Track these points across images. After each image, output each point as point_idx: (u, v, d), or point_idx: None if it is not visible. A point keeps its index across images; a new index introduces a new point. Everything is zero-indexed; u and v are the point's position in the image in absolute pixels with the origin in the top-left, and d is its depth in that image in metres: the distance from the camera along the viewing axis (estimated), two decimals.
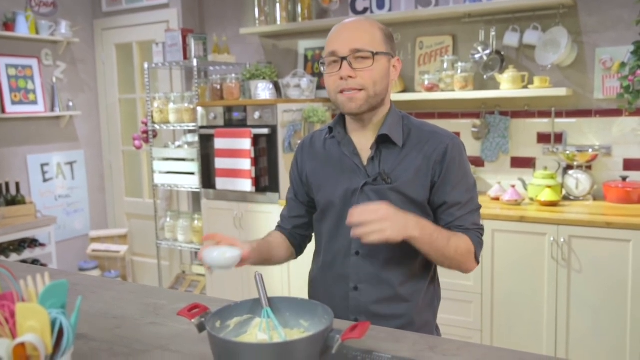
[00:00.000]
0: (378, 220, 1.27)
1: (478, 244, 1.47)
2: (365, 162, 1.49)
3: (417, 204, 1.45)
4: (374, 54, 1.41)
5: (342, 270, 1.51)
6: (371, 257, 1.48)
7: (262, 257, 1.52)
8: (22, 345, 0.84)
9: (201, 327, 1.16)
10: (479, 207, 1.50)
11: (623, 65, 2.93)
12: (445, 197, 1.45)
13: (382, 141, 1.48)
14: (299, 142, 1.82)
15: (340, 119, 1.56)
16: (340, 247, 1.52)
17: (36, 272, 1.01)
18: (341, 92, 1.43)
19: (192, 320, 1.17)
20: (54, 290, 0.90)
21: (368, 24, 1.46)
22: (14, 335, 0.86)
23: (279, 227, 1.70)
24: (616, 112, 3.09)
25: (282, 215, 1.71)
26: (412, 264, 1.48)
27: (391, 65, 1.48)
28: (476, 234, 1.47)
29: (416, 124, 1.52)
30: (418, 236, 1.33)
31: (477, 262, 1.48)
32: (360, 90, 1.42)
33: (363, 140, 1.52)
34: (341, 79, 1.42)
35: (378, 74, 1.43)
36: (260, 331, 1.16)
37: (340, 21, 1.51)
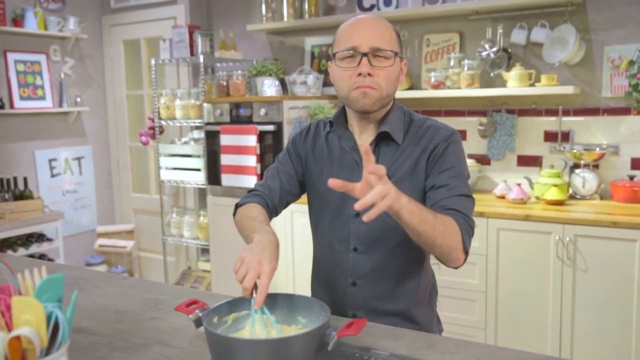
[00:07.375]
0: (380, 199, 1.12)
1: (465, 230, 1.33)
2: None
3: (415, 199, 1.44)
4: (395, 54, 1.41)
5: (341, 266, 1.51)
6: (369, 253, 1.47)
7: None
8: (17, 338, 0.85)
9: (198, 323, 1.16)
10: (470, 196, 1.41)
11: (632, 63, 2.90)
12: (433, 180, 1.40)
13: (382, 138, 1.47)
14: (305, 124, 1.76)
15: (342, 114, 1.54)
16: (338, 243, 1.51)
17: (40, 265, 1.01)
18: (356, 88, 1.40)
19: (190, 316, 1.18)
20: (50, 284, 0.90)
21: (385, 23, 1.44)
22: (9, 329, 0.87)
23: (262, 198, 1.54)
24: (624, 111, 3.06)
25: (270, 187, 1.57)
26: (410, 260, 1.48)
27: (401, 66, 1.47)
28: (462, 216, 1.34)
29: (417, 119, 1.51)
30: (404, 204, 1.19)
31: (466, 252, 1.34)
32: (375, 89, 1.39)
33: (364, 136, 1.50)
34: (359, 75, 1.38)
35: (393, 75, 1.42)
36: (256, 327, 1.15)
37: (347, 18, 1.49)
